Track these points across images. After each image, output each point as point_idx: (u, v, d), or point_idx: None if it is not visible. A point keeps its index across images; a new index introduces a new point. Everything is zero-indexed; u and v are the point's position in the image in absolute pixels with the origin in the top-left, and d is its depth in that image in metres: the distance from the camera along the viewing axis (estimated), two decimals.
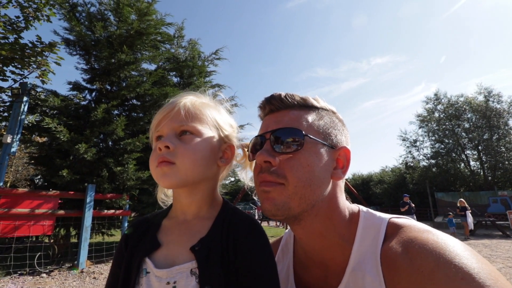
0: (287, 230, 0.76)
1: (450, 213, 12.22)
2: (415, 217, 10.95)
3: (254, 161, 0.62)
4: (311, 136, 0.57)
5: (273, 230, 14.52)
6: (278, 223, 19.13)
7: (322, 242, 0.59)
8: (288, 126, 0.57)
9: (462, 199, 11.91)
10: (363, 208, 0.63)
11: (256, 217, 23.59)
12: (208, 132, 0.63)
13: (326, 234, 0.59)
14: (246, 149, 0.75)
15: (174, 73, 9.40)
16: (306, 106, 0.61)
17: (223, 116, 0.70)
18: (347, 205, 0.62)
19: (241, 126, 10.06)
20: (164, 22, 8.32)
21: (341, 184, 0.62)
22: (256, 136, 0.64)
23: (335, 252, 0.59)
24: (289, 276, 0.67)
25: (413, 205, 11.37)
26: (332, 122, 0.62)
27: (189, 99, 0.65)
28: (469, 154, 24.29)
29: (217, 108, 0.71)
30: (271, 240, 0.69)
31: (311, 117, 0.59)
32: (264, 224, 19.48)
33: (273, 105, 0.62)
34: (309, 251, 0.63)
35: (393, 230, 0.55)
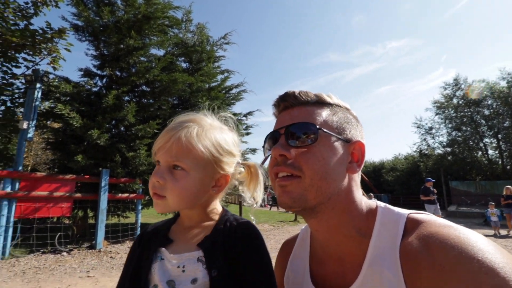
0: (304, 226, 0.77)
1: (491, 202, 9.81)
2: (438, 206, 8.87)
3: (264, 163, 0.66)
4: (325, 130, 0.57)
5: (282, 215, 14.72)
6: None
7: (338, 236, 0.59)
8: (302, 121, 0.58)
9: (509, 186, 9.60)
10: (380, 204, 0.62)
11: (266, 202, 23.92)
12: (200, 167, 0.66)
13: (342, 228, 0.58)
14: (249, 167, 0.79)
15: (182, 58, 9.32)
16: (319, 102, 0.62)
17: (222, 146, 0.70)
18: (364, 200, 0.62)
19: (251, 113, 10.00)
20: (172, 5, 8.17)
21: (357, 178, 0.62)
22: (270, 132, 0.65)
23: (352, 246, 0.58)
24: (305, 271, 0.68)
25: (435, 195, 8.93)
26: (346, 117, 0.62)
27: (184, 132, 0.66)
28: (487, 142, 23.42)
29: (215, 136, 0.70)
30: (287, 236, 0.82)
31: (325, 113, 0.60)
32: (274, 209, 19.75)
33: (287, 102, 0.63)
34: (326, 245, 0.63)
35: (412, 225, 0.53)
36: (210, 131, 0.70)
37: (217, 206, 0.76)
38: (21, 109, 7.41)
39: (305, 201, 0.55)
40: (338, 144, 0.58)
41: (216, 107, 0.79)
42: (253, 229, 0.69)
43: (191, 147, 0.65)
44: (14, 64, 6.65)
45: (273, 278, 0.64)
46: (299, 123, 0.58)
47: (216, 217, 0.72)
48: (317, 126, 0.56)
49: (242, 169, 0.78)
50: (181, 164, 0.65)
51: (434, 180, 9.37)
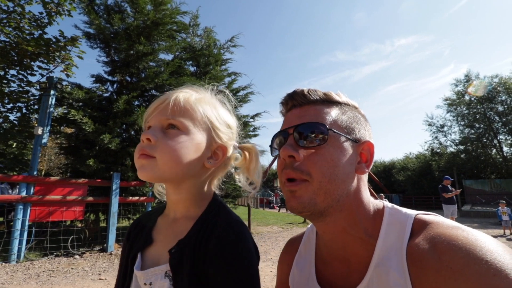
0: (309, 225, 0.76)
1: (502, 201, 9.28)
2: (456, 208, 8.38)
3: (276, 159, 0.62)
4: (335, 131, 0.56)
5: (291, 217, 14.64)
6: None
7: (345, 237, 0.59)
8: (311, 120, 0.57)
9: None
10: (388, 204, 0.61)
11: (274, 203, 23.84)
12: (196, 129, 0.61)
13: (350, 229, 0.58)
14: (246, 152, 0.73)
15: (190, 62, 9.44)
16: (329, 101, 0.61)
17: (220, 115, 0.67)
18: (371, 200, 0.61)
19: (258, 114, 10.01)
20: (179, 11, 8.29)
21: (365, 178, 0.61)
22: (279, 132, 0.63)
23: (358, 247, 0.58)
24: (311, 272, 0.67)
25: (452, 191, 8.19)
26: (355, 117, 0.61)
27: (183, 93, 0.62)
28: (502, 139, 22.77)
29: (214, 105, 0.67)
30: (293, 234, 0.70)
31: (334, 112, 0.59)
32: (282, 211, 19.67)
33: (296, 100, 0.62)
34: (332, 246, 0.63)
35: (420, 226, 0.53)
36: (209, 100, 0.67)
37: (208, 193, 0.67)
38: (36, 116, 7.64)
39: (314, 205, 0.54)
40: (347, 145, 0.57)
41: (216, 87, 0.74)
42: (234, 235, 0.56)
43: (189, 107, 0.61)
44: (29, 72, 6.88)
45: None
46: (309, 123, 0.56)
47: (202, 208, 0.64)
48: (327, 127, 0.55)
49: (239, 155, 0.73)
50: (177, 122, 0.59)
51: (452, 179, 8.83)
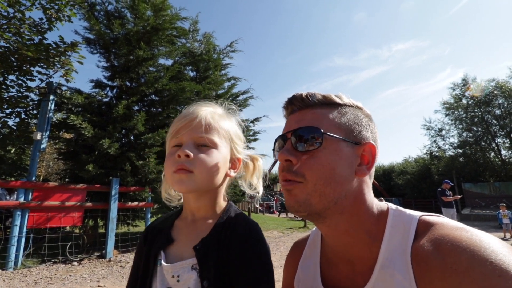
0: (314, 228, 0.76)
1: (502, 204, 9.42)
2: (455, 210, 8.45)
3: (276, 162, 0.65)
4: (331, 134, 0.56)
5: (292, 222, 14.56)
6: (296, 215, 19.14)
7: (348, 239, 0.59)
8: (307, 125, 0.57)
9: None
10: (392, 206, 0.61)
11: (274, 208, 23.73)
12: (223, 145, 0.70)
13: (352, 231, 0.58)
14: (251, 161, 0.82)
15: (190, 67, 9.47)
16: (327, 104, 0.61)
17: (236, 130, 0.76)
18: (375, 202, 0.60)
19: (258, 119, 10.02)
20: (179, 16, 8.35)
21: (368, 180, 0.60)
22: (279, 136, 0.65)
23: (362, 249, 0.57)
24: (316, 274, 0.67)
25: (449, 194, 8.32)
26: (356, 118, 0.60)
27: (209, 111, 0.70)
28: (500, 142, 22.92)
29: (231, 120, 0.76)
30: (298, 237, 0.78)
31: (332, 115, 0.59)
32: (283, 215, 19.57)
33: (294, 105, 0.63)
34: (336, 248, 0.63)
35: (424, 227, 0.52)
36: (227, 116, 0.76)
37: (223, 197, 0.76)
38: (35, 121, 7.62)
39: (309, 205, 0.54)
40: (345, 147, 0.56)
41: (227, 103, 0.82)
42: (253, 232, 0.65)
43: (217, 125, 0.69)
44: (28, 77, 6.89)
45: None
46: (304, 128, 0.57)
47: (221, 212, 0.71)
48: (322, 130, 0.55)
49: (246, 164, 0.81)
50: (209, 140, 0.66)
51: (452, 184, 8.96)
